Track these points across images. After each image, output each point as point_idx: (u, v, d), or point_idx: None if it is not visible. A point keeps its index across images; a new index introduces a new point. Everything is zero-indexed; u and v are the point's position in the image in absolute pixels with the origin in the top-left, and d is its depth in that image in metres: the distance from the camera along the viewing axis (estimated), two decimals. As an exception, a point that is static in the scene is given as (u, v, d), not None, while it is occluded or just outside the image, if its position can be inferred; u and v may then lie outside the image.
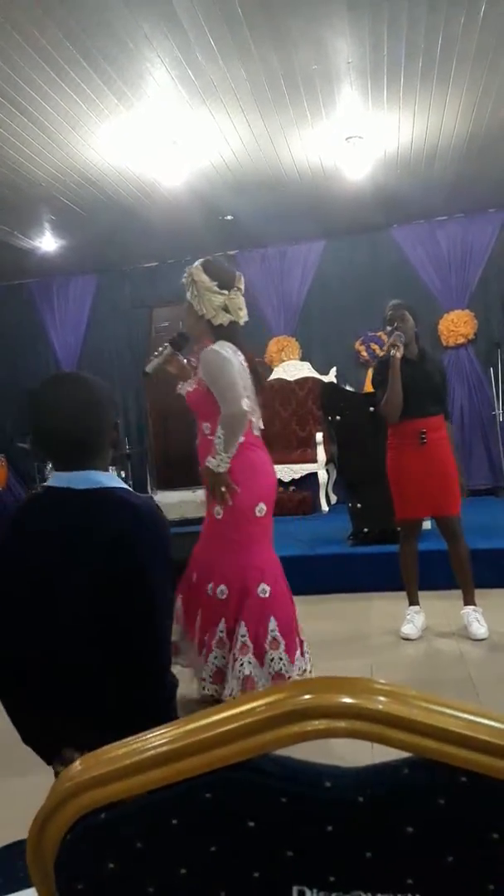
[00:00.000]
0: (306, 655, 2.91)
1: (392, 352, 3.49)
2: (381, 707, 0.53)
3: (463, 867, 0.54)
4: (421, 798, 0.54)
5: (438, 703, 0.54)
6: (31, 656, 1.47)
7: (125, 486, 1.57)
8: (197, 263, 2.87)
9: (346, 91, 4.32)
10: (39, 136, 4.53)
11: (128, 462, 7.01)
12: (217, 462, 2.73)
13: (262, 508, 2.82)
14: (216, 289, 2.80)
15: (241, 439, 2.78)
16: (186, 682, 2.83)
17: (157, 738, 0.57)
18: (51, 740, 1.46)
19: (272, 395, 7.26)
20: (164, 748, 0.56)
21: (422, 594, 3.83)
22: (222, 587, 2.80)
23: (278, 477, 6.66)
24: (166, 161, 4.98)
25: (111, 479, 1.52)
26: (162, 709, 1.43)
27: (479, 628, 3.57)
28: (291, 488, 6.86)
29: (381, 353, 3.73)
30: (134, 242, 6.89)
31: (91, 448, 1.51)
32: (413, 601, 3.78)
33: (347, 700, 0.54)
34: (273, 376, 7.32)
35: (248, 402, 2.77)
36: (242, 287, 2.90)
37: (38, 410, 1.53)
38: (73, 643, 1.42)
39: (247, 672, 2.69)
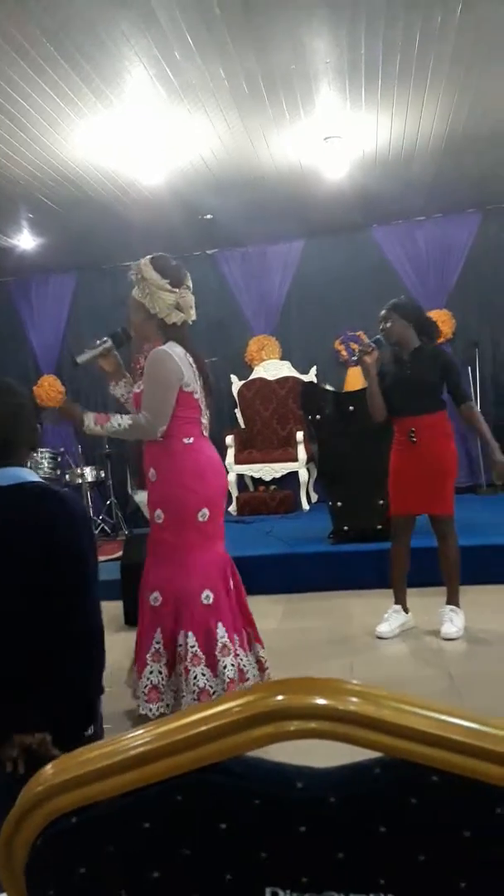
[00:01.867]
0: (256, 646, 2.87)
1: (361, 356, 3.59)
2: (352, 708, 0.53)
3: (435, 866, 0.55)
4: (393, 798, 0.54)
5: (409, 703, 0.54)
6: None
7: (41, 480, 1.71)
8: (145, 260, 2.75)
9: (325, 91, 4.33)
10: (17, 133, 4.49)
11: (108, 462, 6.97)
12: (92, 425, 2.69)
13: (205, 514, 2.71)
14: (168, 286, 2.68)
15: (190, 441, 2.73)
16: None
17: (129, 741, 0.57)
18: None
19: (253, 394, 7.27)
20: (137, 751, 0.56)
21: (411, 591, 3.80)
22: (156, 594, 2.71)
23: (259, 476, 6.80)
24: (145, 160, 4.96)
25: (31, 474, 1.67)
26: (89, 679, 1.59)
27: (450, 628, 3.57)
28: (272, 487, 6.88)
29: (353, 356, 3.80)
30: (113, 241, 6.86)
31: (7, 448, 1.64)
32: (397, 600, 3.77)
33: (319, 701, 0.55)
34: (253, 375, 7.33)
35: (162, 429, 2.68)
36: (191, 285, 2.79)
37: None
38: (10, 629, 1.53)
39: (201, 685, 2.61)
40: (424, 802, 0.54)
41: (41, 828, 0.56)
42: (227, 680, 2.63)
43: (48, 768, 0.59)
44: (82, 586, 1.59)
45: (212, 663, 2.64)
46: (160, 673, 2.66)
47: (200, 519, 2.70)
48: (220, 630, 2.68)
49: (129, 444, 7.77)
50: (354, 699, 0.55)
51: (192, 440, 2.73)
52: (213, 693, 2.61)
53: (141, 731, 0.57)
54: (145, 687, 2.65)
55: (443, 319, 7.00)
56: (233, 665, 2.67)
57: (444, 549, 3.64)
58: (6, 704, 1.50)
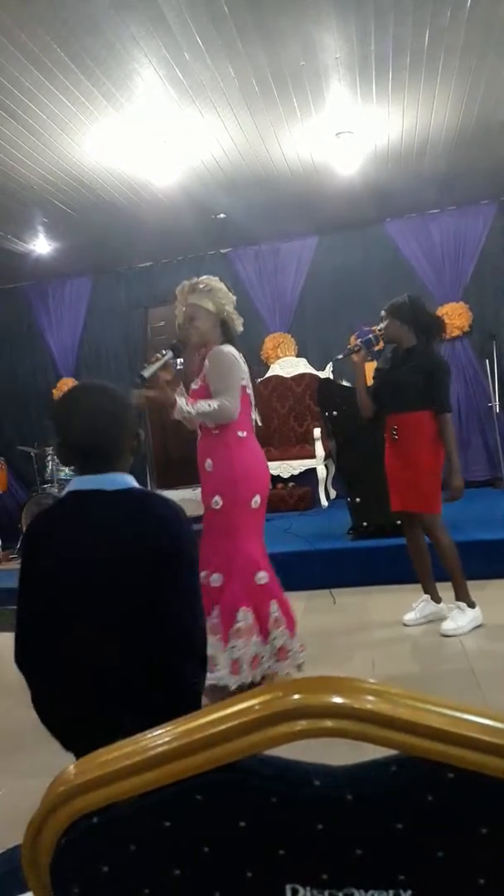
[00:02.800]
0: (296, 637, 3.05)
1: (348, 355, 3.73)
2: (368, 706, 0.54)
3: (453, 862, 0.55)
4: (409, 795, 0.54)
5: (425, 701, 0.55)
6: (81, 655, 1.49)
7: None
8: (206, 276, 3.12)
9: (335, 87, 4.32)
10: (30, 139, 4.53)
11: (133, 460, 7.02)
12: (185, 411, 2.87)
13: (257, 500, 2.99)
14: (231, 296, 3.09)
15: (244, 434, 2.99)
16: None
17: (149, 741, 0.58)
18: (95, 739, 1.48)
19: (269, 392, 7.27)
20: (156, 751, 0.57)
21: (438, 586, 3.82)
22: (216, 575, 2.91)
23: (278, 473, 6.81)
24: (157, 161, 4.98)
25: (134, 480, 1.63)
26: (199, 682, 1.56)
27: (449, 624, 3.57)
28: (291, 484, 6.88)
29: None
30: (127, 243, 6.89)
31: (114, 454, 1.61)
32: (425, 589, 3.82)
33: (336, 699, 0.55)
34: (269, 373, 7.33)
35: (238, 411, 2.94)
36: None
37: (67, 417, 1.62)
38: (126, 631, 1.49)
39: (252, 652, 2.83)
40: (441, 800, 0.54)
41: (64, 828, 0.57)
42: (277, 648, 2.88)
43: (70, 769, 0.60)
44: (193, 588, 1.58)
45: (264, 632, 2.89)
46: (213, 645, 2.81)
47: (254, 505, 2.98)
48: (273, 606, 2.93)
49: (151, 444, 7.84)
50: (371, 697, 0.55)
51: (245, 434, 3.00)
52: (263, 658, 2.87)
53: (160, 731, 0.58)
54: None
55: (459, 312, 6.97)
56: (283, 634, 2.91)
57: (437, 550, 3.62)
58: (111, 711, 1.46)
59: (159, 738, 0.57)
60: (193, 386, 3.08)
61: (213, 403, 2.92)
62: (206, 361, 3.00)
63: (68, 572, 1.51)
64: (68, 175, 5.14)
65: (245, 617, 2.86)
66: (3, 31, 3.43)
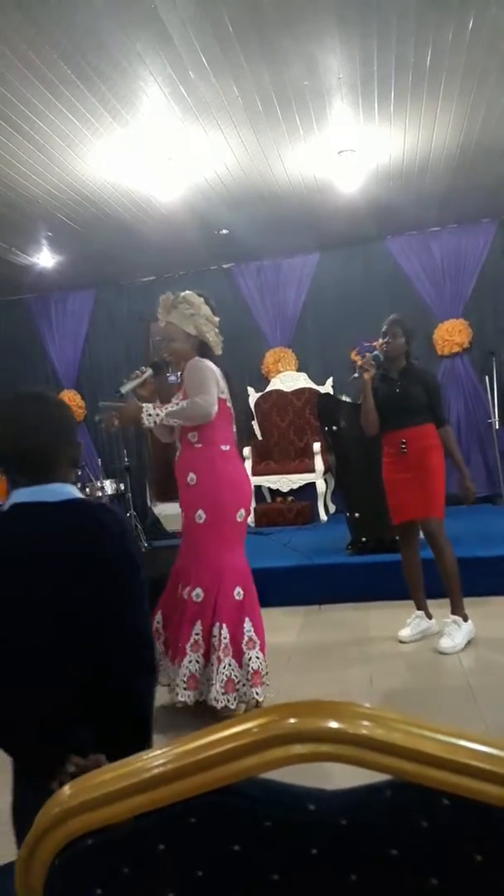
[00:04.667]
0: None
1: (361, 373, 3.73)
2: (363, 731, 0.54)
3: (447, 889, 0.55)
4: (404, 820, 0.55)
5: (420, 726, 0.55)
6: (33, 674, 1.47)
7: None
8: (188, 292, 3.06)
9: (338, 106, 4.36)
10: (35, 154, 4.57)
11: (127, 475, 7.02)
12: (154, 414, 2.85)
13: (241, 514, 3.01)
14: (211, 314, 3.06)
15: (227, 448, 2.99)
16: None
17: (144, 763, 0.58)
18: (51, 753, 1.46)
19: (269, 406, 7.29)
20: (151, 773, 0.57)
21: (430, 602, 3.85)
22: (198, 590, 2.90)
23: (277, 487, 6.81)
24: (161, 177, 5.02)
25: (76, 490, 1.59)
26: (151, 692, 1.54)
27: (448, 642, 3.57)
28: (290, 498, 6.87)
29: (354, 373, 3.88)
30: (130, 257, 6.93)
31: (50, 463, 1.56)
32: (418, 607, 3.84)
33: (331, 724, 0.55)
34: (270, 388, 7.35)
35: (214, 411, 2.92)
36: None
37: (1, 426, 1.58)
38: (76, 645, 1.46)
39: (227, 674, 2.80)
40: (436, 826, 0.54)
41: (58, 849, 0.57)
42: (252, 671, 2.83)
43: (65, 790, 0.60)
44: (140, 598, 1.54)
45: (237, 655, 2.85)
46: (198, 662, 2.83)
47: (238, 519, 2.98)
48: (248, 625, 2.90)
49: (150, 457, 7.85)
50: (366, 722, 0.55)
51: (228, 447, 3.01)
52: (238, 682, 2.82)
53: (155, 754, 0.58)
54: (185, 676, 2.81)
55: (459, 329, 7.00)
56: (257, 657, 2.87)
57: (438, 557, 3.63)
58: (64, 725, 1.44)
59: (154, 760, 0.57)
60: (175, 400, 3.04)
61: (184, 402, 2.90)
62: (185, 373, 3.00)
63: (12, 587, 1.47)
64: (73, 190, 5.18)
65: (224, 634, 2.84)
66: (11, 48, 3.47)
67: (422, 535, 3.76)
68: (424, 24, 3.58)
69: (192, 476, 2.97)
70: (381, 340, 3.72)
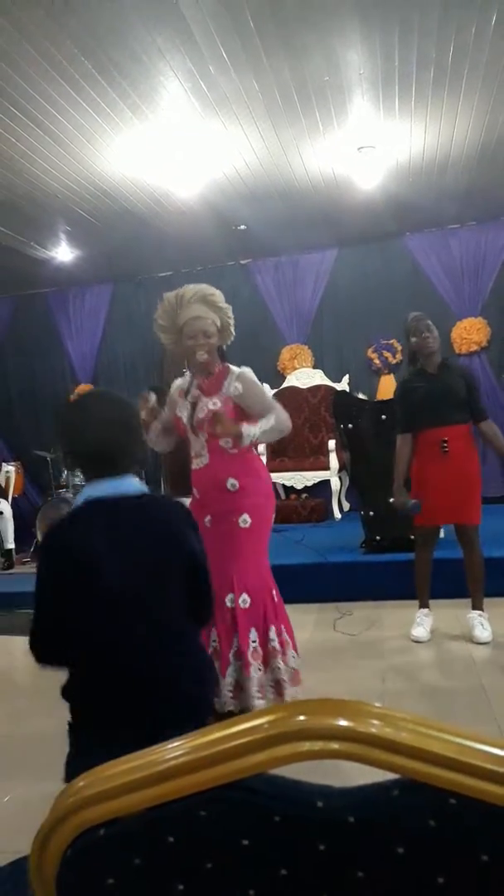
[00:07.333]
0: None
1: (406, 514, 3.69)
2: (372, 730, 0.55)
3: (453, 888, 0.55)
4: (411, 819, 0.55)
5: (428, 726, 0.55)
6: (139, 657, 1.60)
7: None
8: (208, 287, 2.92)
9: (358, 102, 4.34)
10: (55, 148, 4.59)
11: (142, 473, 7.05)
12: (253, 433, 2.81)
13: (273, 517, 3.02)
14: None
15: (258, 452, 3.02)
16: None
17: (156, 757, 0.59)
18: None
19: (285, 402, 7.28)
20: (163, 766, 0.58)
21: (441, 602, 3.87)
22: (244, 596, 2.84)
23: (291, 484, 6.81)
24: (180, 172, 5.03)
25: (142, 483, 1.74)
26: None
27: (483, 632, 3.62)
28: (304, 496, 6.87)
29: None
30: (148, 252, 6.95)
31: (126, 460, 1.69)
32: (423, 604, 3.84)
33: (340, 722, 0.56)
34: (285, 384, 7.34)
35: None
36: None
37: (80, 426, 1.68)
38: (174, 611, 1.67)
39: (276, 677, 2.81)
40: (443, 825, 0.54)
41: (71, 839, 0.58)
42: (276, 679, 2.83)
43: (79, 781, 0.61)
44: (208, 574, 1.77)
45: (265, 659, 2.85)
46: (259, 670, 2.81)
47: (272, 523, 3.01)
48: (272, 633, 2.88)
49: (166, 455, 7.87)
50: (375, 721, 0.56)
51: (258, 451, 3.04)
52: (265, 687, 2.82)
53: (167, 747, 0.59)
54: (231, 685, 2.78)
55: (478, 328, 6.95)
56: (294, 657, 2.89)
57: (472, 558, 3.64)
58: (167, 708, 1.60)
59: (166, 753, 0.58)
60: (212, 406, 2.88)
61: (269, 418, 2.87)
62: (234, 384, 2.86)
63: (119, 580, 1.57)
64: (92, 184, 5.20)
65: (274, 636, 2.83)
66: (32, 43, 3.49)
67: (442, 534, 3.75)
68: (447, 19, 3.56)
69: (232, 482, 2.87)
70: (414, 339, 3.62)
